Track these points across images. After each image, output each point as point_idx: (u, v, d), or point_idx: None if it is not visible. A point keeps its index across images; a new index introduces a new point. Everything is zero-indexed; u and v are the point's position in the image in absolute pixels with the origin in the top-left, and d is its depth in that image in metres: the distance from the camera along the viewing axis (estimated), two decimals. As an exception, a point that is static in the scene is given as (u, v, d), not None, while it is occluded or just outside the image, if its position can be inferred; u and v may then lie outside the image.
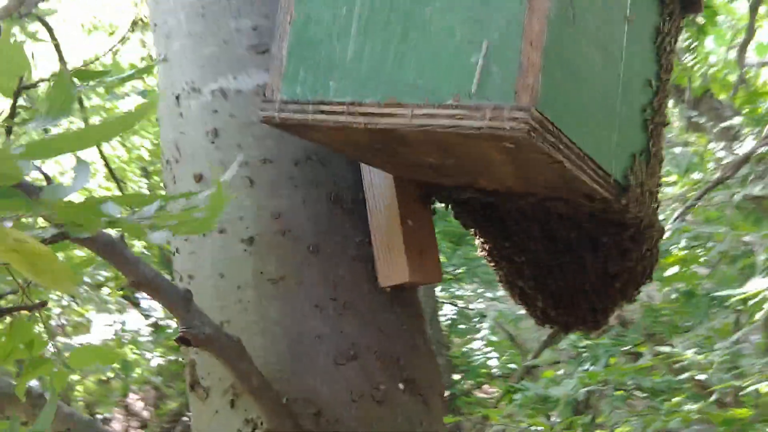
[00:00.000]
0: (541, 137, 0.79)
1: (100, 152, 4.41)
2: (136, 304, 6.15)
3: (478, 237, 1.52)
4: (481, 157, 0.94)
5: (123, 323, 5.70)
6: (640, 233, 1.33)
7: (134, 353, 5.38)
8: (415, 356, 1.30)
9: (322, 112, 0.91)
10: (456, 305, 7.15)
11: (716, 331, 3.43)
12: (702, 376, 3.82)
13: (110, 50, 4.07)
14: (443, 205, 1.43)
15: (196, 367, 1.27)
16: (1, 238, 0.58)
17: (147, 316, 5.77)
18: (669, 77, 1.36)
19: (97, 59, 3.98)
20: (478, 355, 5.73)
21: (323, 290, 1.21)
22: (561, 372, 3.53)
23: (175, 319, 1.09)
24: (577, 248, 1.38)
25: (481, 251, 1.56)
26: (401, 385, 1.25)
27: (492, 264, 1.56)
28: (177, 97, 1.31)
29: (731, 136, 4.67)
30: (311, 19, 0.94)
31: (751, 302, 2.50)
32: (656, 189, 1.32)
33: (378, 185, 1.28)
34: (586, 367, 3.87)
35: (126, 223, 0.59)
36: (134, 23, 4.16)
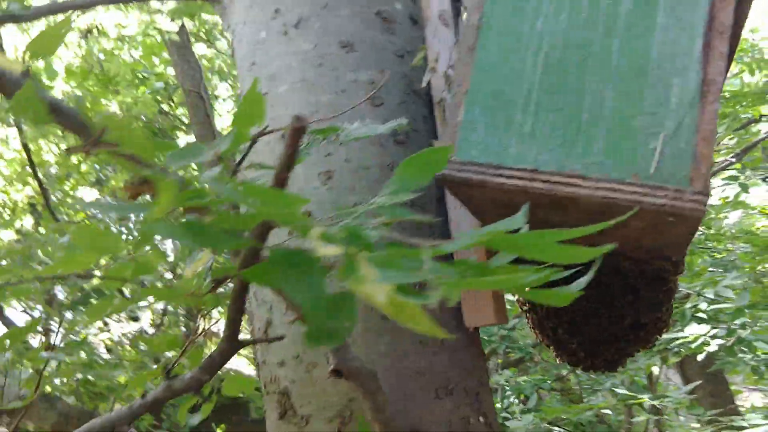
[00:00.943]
0: (705, 214, 0.96)
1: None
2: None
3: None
4: (620, 224, 1.10)
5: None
6: (671, 289, 1.53)
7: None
8: (485, 392, 1.42)
9: (502, 175, 1.03)
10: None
11: (638, 369, 3.78)
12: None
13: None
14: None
15: (290, 396, 1.32)
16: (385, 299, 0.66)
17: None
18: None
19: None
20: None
21: (425, 328, 1.31)
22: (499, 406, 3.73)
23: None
24: (618, 298, 1.57)
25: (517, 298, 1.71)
26: (481, 419, 1.36)
27: (526, 308, 1.72)
28: (283, 136, 1.38)
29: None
30: (489, 90, 1.06)
31: (693, 345, 2.82)
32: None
33: (465, 229, 1.40)
34: (511, 400, 4.12)
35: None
36: (88, 31, 4.04)
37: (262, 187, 0.61)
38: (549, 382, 4.11)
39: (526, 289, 0.74)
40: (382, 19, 1.40)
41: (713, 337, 2.79)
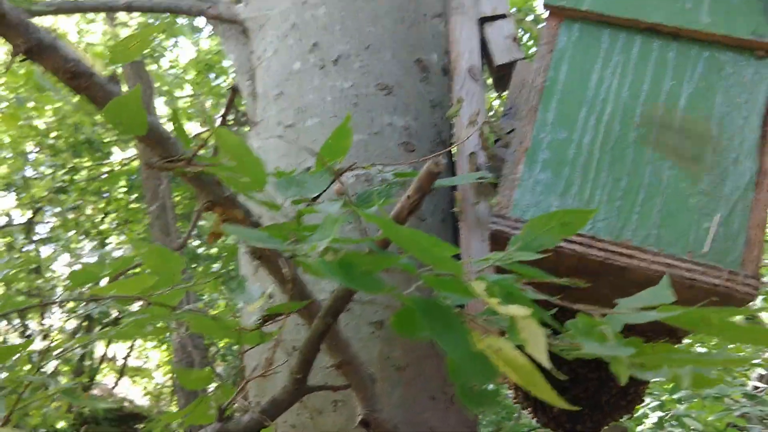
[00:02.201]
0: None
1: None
2: None
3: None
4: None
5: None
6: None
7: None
8: (480, 451, 1.40)
9: (559, 238, 1.03)
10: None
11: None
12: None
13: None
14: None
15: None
16: (495, 355, 0.64)
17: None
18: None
19: None
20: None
21: (437, 383, 1.28)
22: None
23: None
24: (605, 365, 1.59)
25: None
26: (478, 479, 1.34)
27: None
28: (307, 169, 1.34)
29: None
30: (548, 152, 1.07)
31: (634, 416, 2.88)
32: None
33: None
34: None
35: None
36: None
37: (416, 232, 0.58)
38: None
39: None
40: (421, 68, 1.40)
41: (653, 409, 2.86)
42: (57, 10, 1.50)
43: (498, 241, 1.11)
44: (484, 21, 1.48)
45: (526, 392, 1.74)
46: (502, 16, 1.48)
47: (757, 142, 1.02)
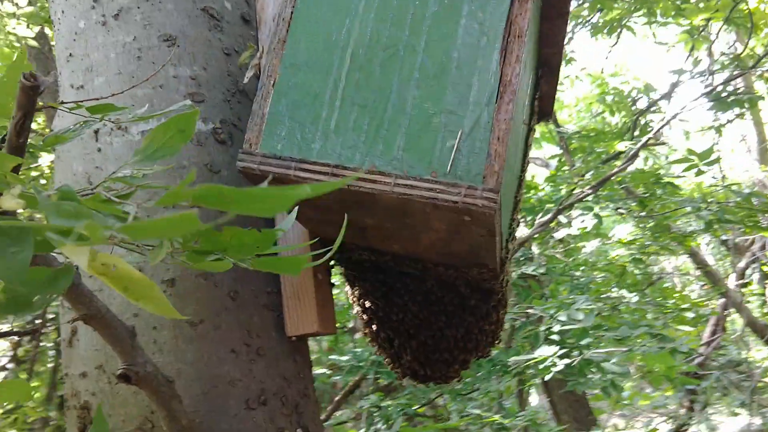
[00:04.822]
0: (498, 215, 0.97)
1: None
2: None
3: (357, 295, 1.65)
4: (423, 225, 1.10)
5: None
6: (501, 299, 1.57)
7: None
8: (308, 404, 1.38)
9: (304, 170, 1.00)
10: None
11: (501, 392, 3.86)
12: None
13: None
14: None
15: (91, 411, 1.22)
16: (90, 260, 0.61)
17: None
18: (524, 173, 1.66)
19: None
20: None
21: (238, 335, 1.25)
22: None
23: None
24: (448, 308, 1.58)
25: (357, 308, 1.69)
26: (299, 431, 1.31)
27: (366, 318, 1.70)
28: (95, 132, 1.29)
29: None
30: (296, 85, 1.04)
31: (541, 366, 2.90)
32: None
33: (291, 238, 1.37)
34: (379, 426, 4.09)
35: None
36: None
37: None
38: (415, 408, 4.12)
39: (249, 257, 0.70)
40: (209, 16, 1.36)
41: (561, 357, 2.89)
42: None
43: (258, 183, 1.08)
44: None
45: (388, 345, 1.72)
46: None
47: (499, 55, 1.00)
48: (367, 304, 1.66)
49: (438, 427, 3.06)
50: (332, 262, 1.51)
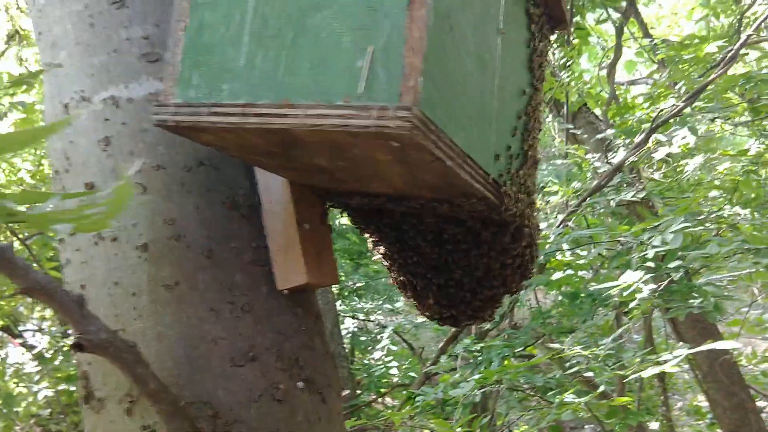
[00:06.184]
0: (423, 135, 0.86)
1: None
2: (17, 336, 5.83)
3: (373, 241, 1.58)
4: (369, 159, 1.00)
5: (5, 356, 5.40)
6: (519, 231, 1.43)
7: (19, 386, 5.07)
8: (313, 356, 1.33)
9: (216, 113, 0.94)
10: (357, 318, 7.21)
11: (599, 327, 3.67)
12: (589, 373, 4.07)
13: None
14: (339, 209, 1.48)
15: (90, 380, 1.25)
16: None
17: (31, 348, 5.46)
18: (542, 87, 1.49)
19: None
20: (380, 365, 5.80)
21: (219, 294, 1.22)
22: (458, 376, 3.65)
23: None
24: (462, 246, 1.47)
25: (378, 255, 1.62)
26: (300, 384, 1.28)
27: (387, 264, 1.63)
28: (65, 106, 1.29)
29: (606, 147, 5.01)
30: (205, 26, 0.97)
31: (626, 293, 2.70)
32: (533, 189, 1.43)
33: (274, 190, 1.31)
34: (481, 369, 4.03)
35: (28, 216, 0.60)
36: (11, 37, 3.97)
37: None
38: (514, 350, 4.01)
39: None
40: (156, -30, 1.31)
41: (646, 282, 2.67)
42: None
43: (183, 135, 1.03)
44: None
45: (411, 288, 1.65)
46: None
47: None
48: (382, 250, 1.58)
49: (519, 365, 2.94)
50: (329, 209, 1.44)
